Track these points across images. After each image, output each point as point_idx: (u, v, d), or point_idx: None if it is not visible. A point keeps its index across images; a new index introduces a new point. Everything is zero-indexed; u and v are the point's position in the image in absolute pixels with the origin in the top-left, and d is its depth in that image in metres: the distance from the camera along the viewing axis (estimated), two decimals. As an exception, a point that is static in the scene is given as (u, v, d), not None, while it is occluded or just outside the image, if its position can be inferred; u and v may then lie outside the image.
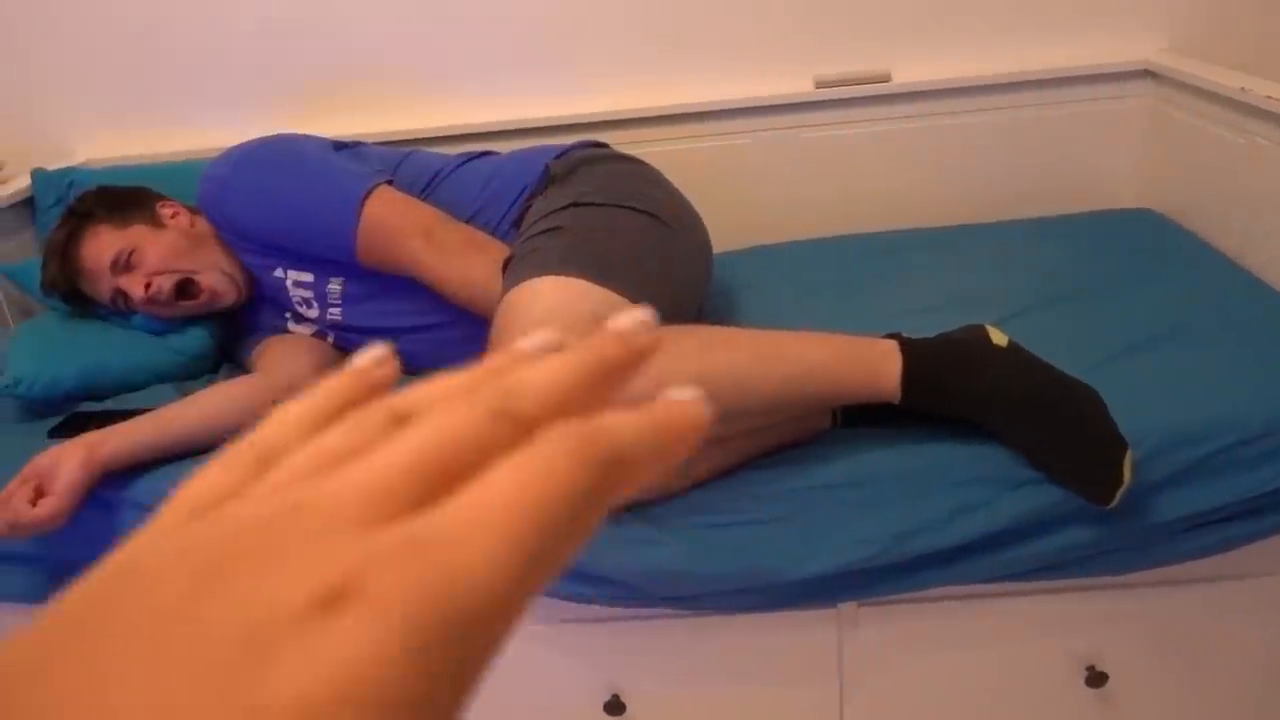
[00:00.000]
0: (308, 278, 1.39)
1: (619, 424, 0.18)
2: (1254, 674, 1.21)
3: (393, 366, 0.23)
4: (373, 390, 0.22)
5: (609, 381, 0.20)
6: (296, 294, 1.41)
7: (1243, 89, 1.38)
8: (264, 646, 0.13)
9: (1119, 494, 1.00)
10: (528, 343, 0.22)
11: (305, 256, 1.37)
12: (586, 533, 0.17)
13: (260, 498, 0.17)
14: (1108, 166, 1.76)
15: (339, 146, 1.41)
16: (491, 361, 0.21)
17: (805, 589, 1.11)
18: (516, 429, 0.18)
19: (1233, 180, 1.46)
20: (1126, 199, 1.75)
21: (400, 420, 0.19)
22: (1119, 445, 1.01)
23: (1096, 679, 1.18)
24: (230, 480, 0.19)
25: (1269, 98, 1.32)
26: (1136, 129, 1.72)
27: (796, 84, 1.73)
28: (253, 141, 1.36)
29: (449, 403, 0.18)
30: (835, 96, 1.71)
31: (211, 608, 0.14)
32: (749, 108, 1.73)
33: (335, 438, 0.19)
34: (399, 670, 0.13)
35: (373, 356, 0.23)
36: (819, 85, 1.72)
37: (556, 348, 0.21)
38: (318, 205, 1.30)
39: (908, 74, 1.72)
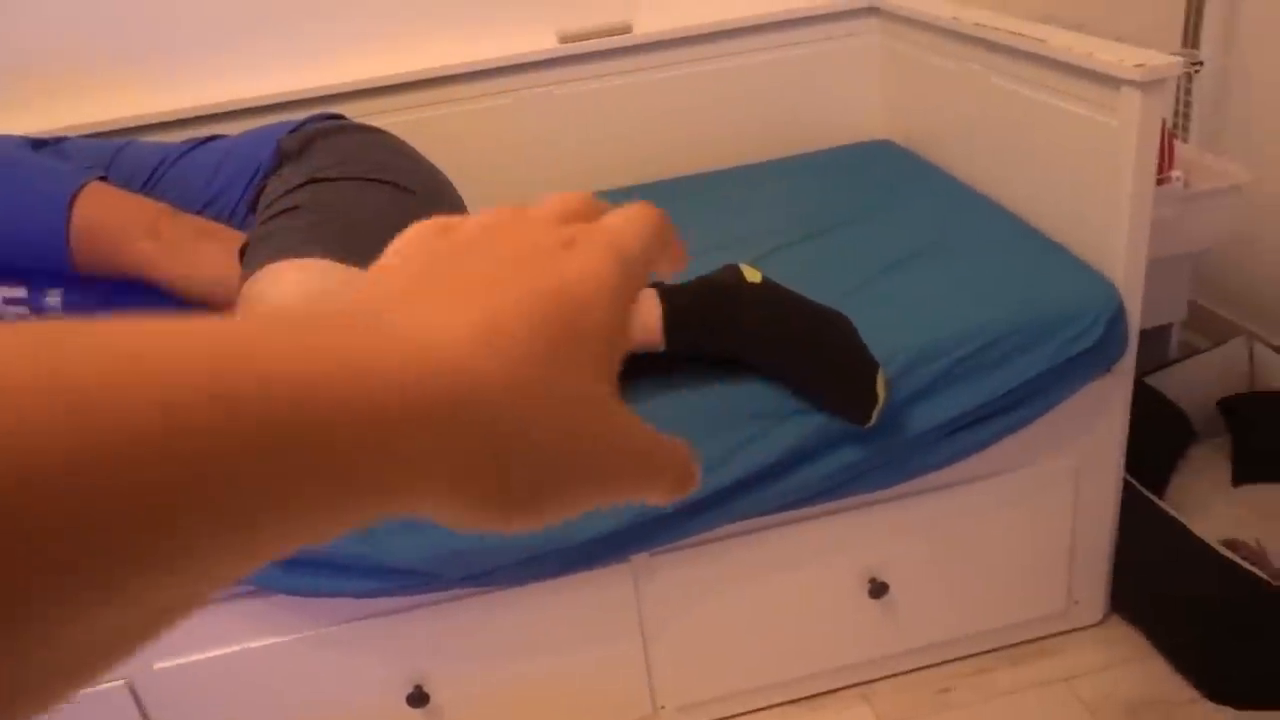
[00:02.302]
0: (20, 293, 1.25)
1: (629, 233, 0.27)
2: (1015, 561, 1.31)
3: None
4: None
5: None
6: (9, 312, 1.26)
7: (954, 18, 1.46)
8: (548, 254, 0.24)
9: (875, 412, 1.05)
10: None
11: (12, 270, 1.23)
12: (651, 266, 0.27)
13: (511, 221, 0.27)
14: (847, 102, 1.83)
15: (38, 145, 1.27)
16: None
17: (595, 547, 1.10)
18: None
19: (954, 106, 1.55)
20: (867, 131, 1.83)
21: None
22: (871, 365, 1.05)
23: (879, 589, 1.25)
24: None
25: (977, 24, 1.40)
26: (869, 64, 1.80)
27: (540, 41, 1.70)
28: (-70, 145, 1.20)
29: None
30: (579, 51, 1.69)
31: (515, 237, 0.25)
32: (495, 68, 1.69)
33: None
34: (616, 264, 0.24)
35: None
36: (562, 40, 1.69)
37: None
38: (17, 213, 1.17)
39: (648, 25, 1.72)
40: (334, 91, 1.64)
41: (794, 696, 1.34)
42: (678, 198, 1.63)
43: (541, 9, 1.70)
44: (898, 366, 1.11)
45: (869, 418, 1.05)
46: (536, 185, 1.74)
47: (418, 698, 1.20)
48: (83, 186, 1.17)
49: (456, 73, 1.67)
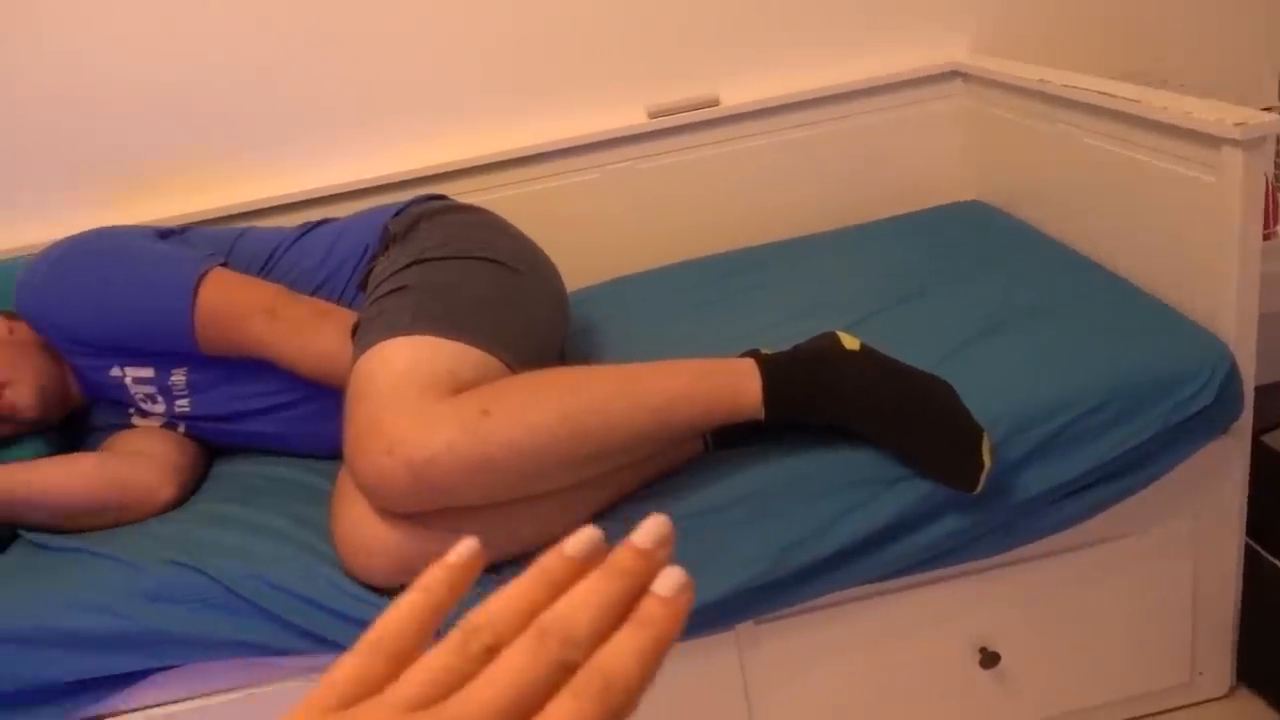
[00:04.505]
0: (148, 373, 1.32)
1: (628, 664, 0.26)
2: (1134, 630, 1.26)
3: (478, 562, 0.31)
4: (464, 580, 0.30)
5: (636, 596, 0.28)
6: (138, 390, 1.34)
7: (1041, 80, 1.46)
8: None
9: (982, 478, 1.04)
10: (571, 547, 0.30)
11: (143, 352, 1.30)
12: None
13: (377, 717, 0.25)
14: (934, 164, 1.84)
15: (165, 234, 1.35)
16: (546, 568, 0.29)
17: (699, 616, 1.10)
18: (568, 672, 0.26)
19: (1044, 166, 1.54)
20: (955, 193, 1.83)
21: (490, 650, 0.26)
22: (975, 431, 1.04)
23: (990, 659, 1.22)
24: (364, 673, 0.27)
25: (1065, 86, 1.40)
26: (954, 126, 1.81)
27: (630, 116, 1.75)
28: (70, 239, 1.29)
29: (523, 645, 0.26)
30: (668, 125, 1.74)
31: None
32: (587, 144, 1.74)
33: (441, 662, 0.26)
34: None
35: (460, 552, 0.31)
36: (652, 115, 1.74)
37: (598, 544, 0.30)
38: (148, 299, 1.24)
39: (735, 96, 1.76)
40: (435, 171, 1.71)
41: (903, 770, 1.31)
42: (767, 264, 1.65)
43: (630, 86, 1.76)
44: (1002, 431, 1.10)
45: (976, 484, 1.04)
46: (626, 258, 1.78)
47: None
48: (207, 272, 1.24)
49: (551, 149, 1.73)
